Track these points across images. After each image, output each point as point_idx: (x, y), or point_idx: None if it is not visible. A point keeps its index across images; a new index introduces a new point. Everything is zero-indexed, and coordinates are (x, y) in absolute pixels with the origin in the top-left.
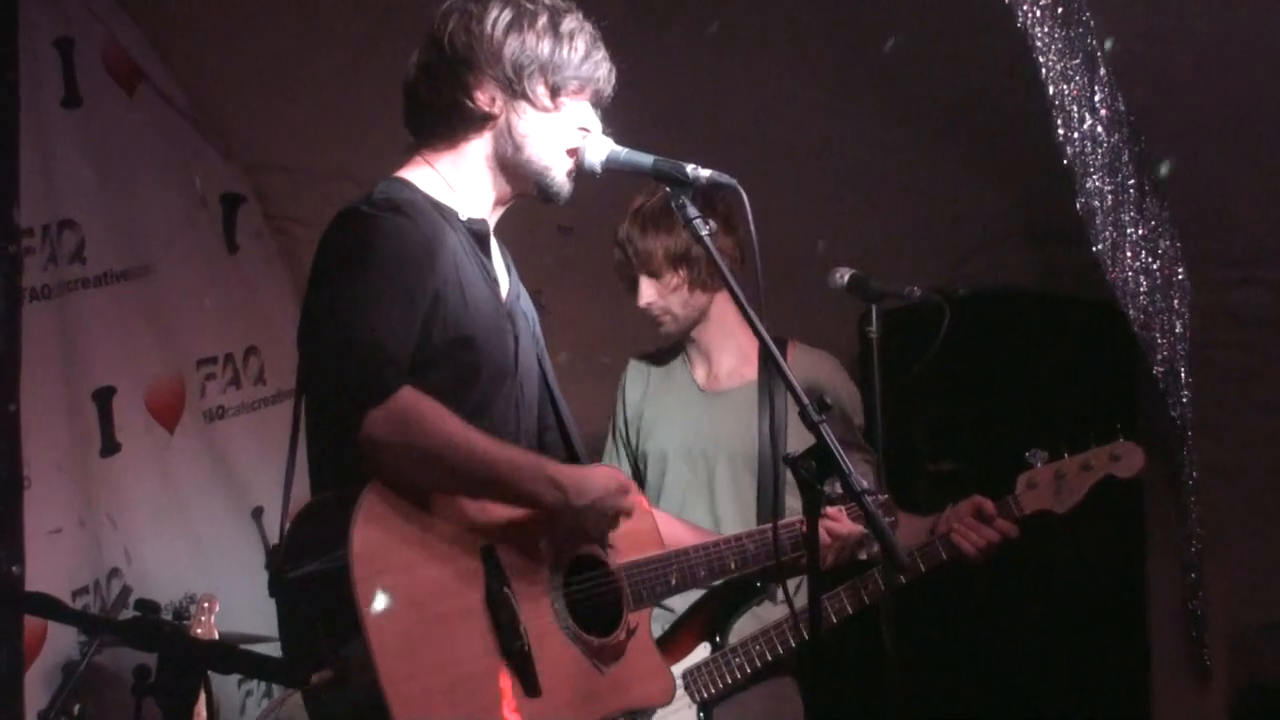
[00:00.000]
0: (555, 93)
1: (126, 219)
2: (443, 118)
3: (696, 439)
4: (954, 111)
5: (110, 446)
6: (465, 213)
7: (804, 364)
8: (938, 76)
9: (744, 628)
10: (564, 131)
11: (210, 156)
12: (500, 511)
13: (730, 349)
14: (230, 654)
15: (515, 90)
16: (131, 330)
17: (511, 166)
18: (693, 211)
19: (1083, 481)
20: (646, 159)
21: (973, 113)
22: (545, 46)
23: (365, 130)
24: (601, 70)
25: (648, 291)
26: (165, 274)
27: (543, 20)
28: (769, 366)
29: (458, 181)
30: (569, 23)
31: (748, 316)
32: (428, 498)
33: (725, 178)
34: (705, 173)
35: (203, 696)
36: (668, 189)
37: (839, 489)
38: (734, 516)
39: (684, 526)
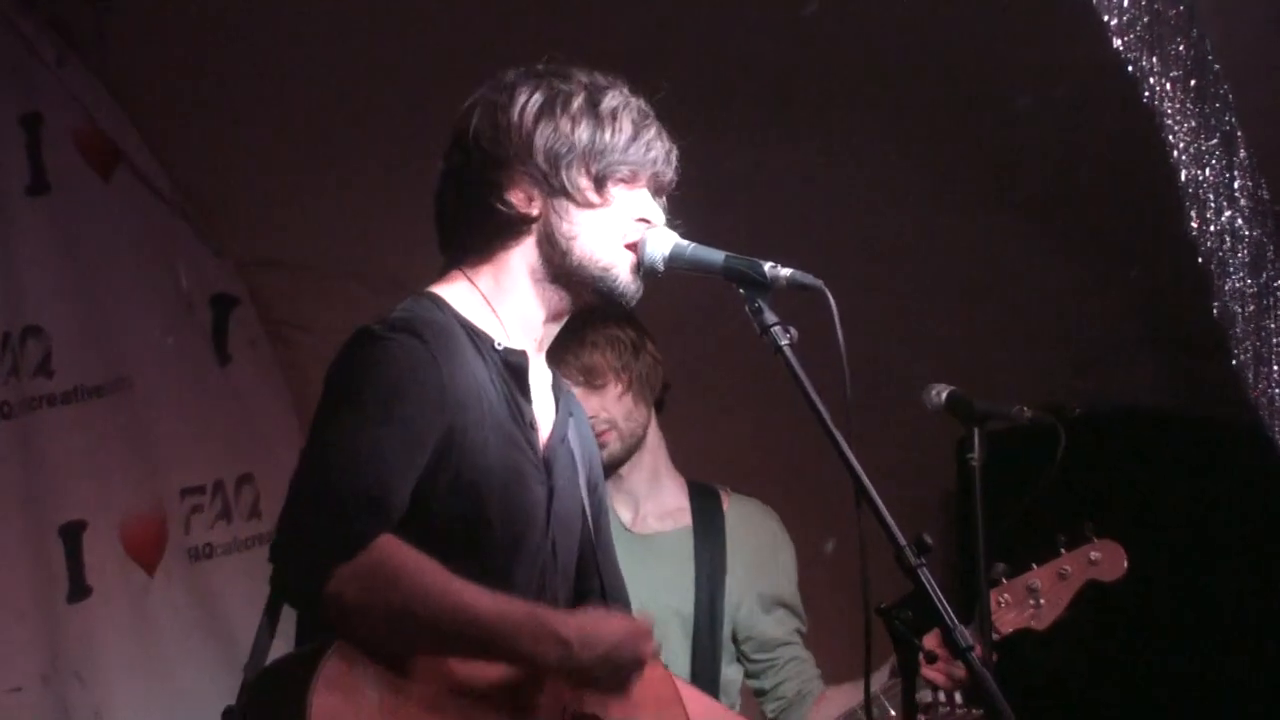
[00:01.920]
0: (601, 183)
1: (101, 325)
2: (475, 228)
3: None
4: (1067, 201)
5: (79, 590)
6: (504, 339)
7: (741, 517)
8: (1048, 160)
9: None
10: (618, 226)
11: (199, 252)
12: (491, 671)
13: (660, 489)
14: None
15: (553, 185)
16: (105, 455)
17: (563, 275)
18: (771, 318)
19: (1062, 592)
20: (717, 255)
21: (1089, 203)
22: (584, 130)
23: (379, 222)
24: (655, 151)
25: (589, 402)
26: (145, 389)
27: (579, 100)
28: (706, 510)
29: (501, 301)
30: (611, 99)
31: (834, 442)
32: (404, 658)
33: (809, 278)
34: (786, 273)
35: None
36: (741, 291)
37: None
38: None
39: (700, 695)
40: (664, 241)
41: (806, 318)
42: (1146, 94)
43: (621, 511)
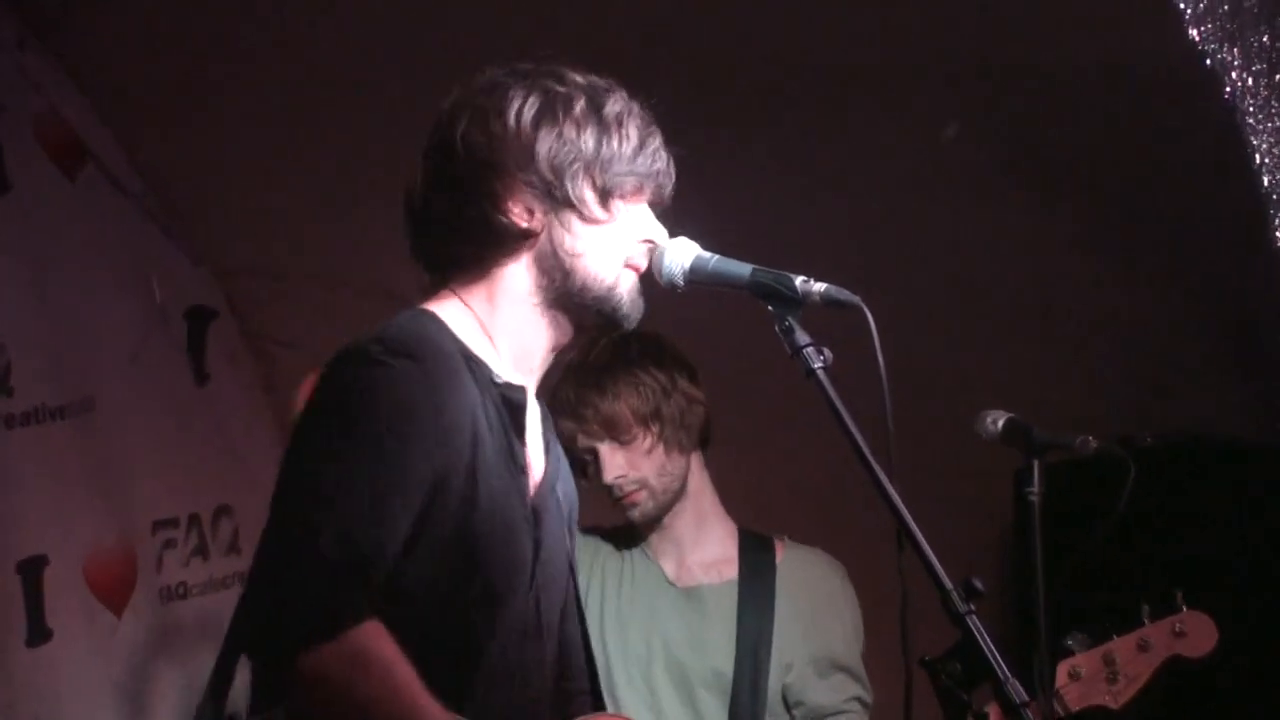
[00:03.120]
0: (606, 196)
1: (65, 339)
2: (467, 241)
3: (664, 648)
4: (1137, 210)
5: (39, 633)
6: (503, 372)
7: (795, 569)
8: (1116, 164)
9: None
10: (623, 243)
11: (173, 259)
12: None
13: (708, 539)
14: None
15: (556, 197)
16: (69, 483)
17: (564, 296)
18: (803, 338)
19: (1142, 666)
20: (743, 269)
21: (1162, 211)
22: (589, 138)
23: (373, 228)
24: (660, 162)
25: (615, 461)
26: (113, 410)
27: (581, 104)
28: (756, 561)
29: (498, 326)
30: (614, 104)
31: (873, 475)
32: None
33: (846, 294)
34: (819, 288)
35: None
36: (770, 309)
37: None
38: None
39: None
40: (685, 254)
41: (843, 338)
42: (1227, 90)
43: (665, 563)
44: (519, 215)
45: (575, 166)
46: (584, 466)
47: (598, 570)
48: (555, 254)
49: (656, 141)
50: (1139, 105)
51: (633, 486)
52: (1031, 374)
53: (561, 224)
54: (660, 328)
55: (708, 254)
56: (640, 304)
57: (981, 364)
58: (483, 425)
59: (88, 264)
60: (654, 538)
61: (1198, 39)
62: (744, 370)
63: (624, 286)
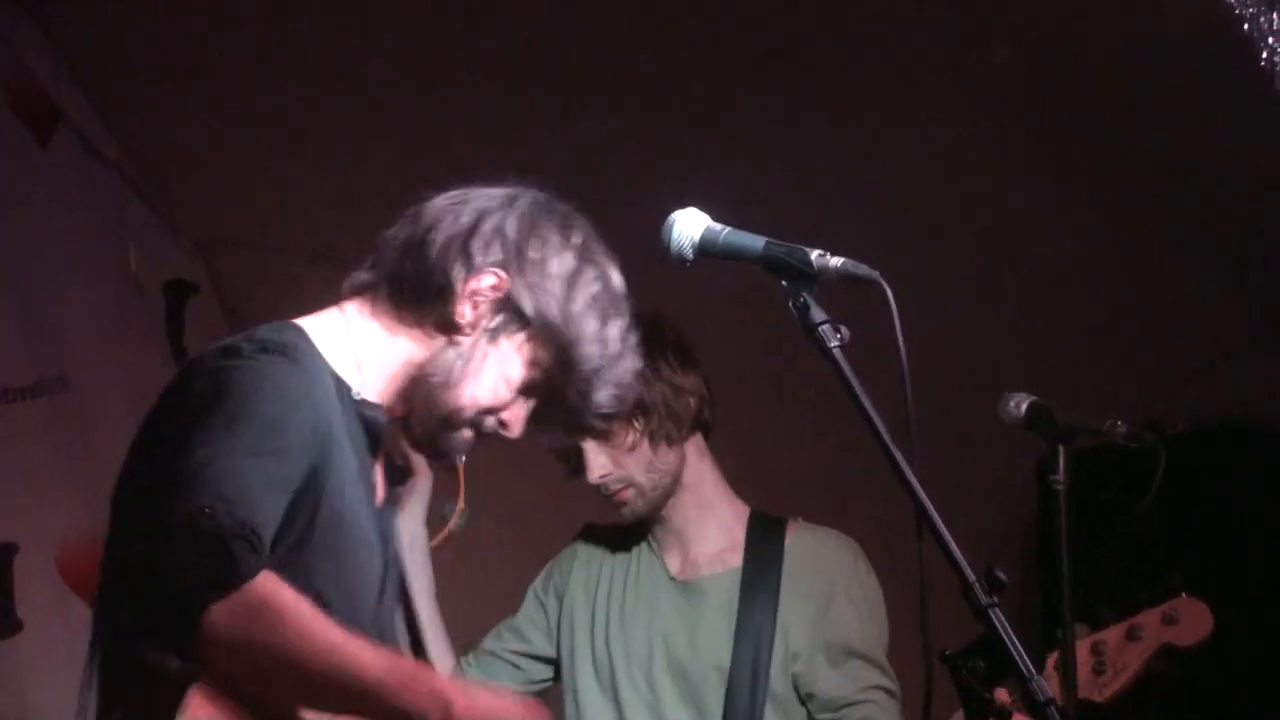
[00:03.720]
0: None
1: (34, 315)
2: (411, 291)
3: (665, 646)
4: (1170, 187)
5: (9, 625)
6: (363, 391)
7: (805, 552)
8: (1148, 140)
9: None
10: (511, 408)
11: (151, 229)
12: None
13: (712, 526)
14: None
15: (509, 328)
16: (39, 468)
17: (428, 390)
18: (818, 315)
19: (1131, 657)
20: (756, 242)
21: (1197, 188)
22: (608, 346)
23: (359, 201)
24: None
25: (599, 460)
26: (86, 391)
27: (598, 288)
28: (762, 547)
29: (370, 359)
30: (618, 327)
31: (892, 460)
32: (277, 704)
33: (863, 268)
34: (836, 262)
35: None
36: (784, 284)
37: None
38: None
39: None
40: (694, 225)
41: (861, 316)
42: (1263, 56)
43: (669, 556)
44: (465, 315)
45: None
46: (572, 465)
47: (606, 571)
48: (456, 360)
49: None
50: (1173, 73)
51: (619, 485)
52: (1058, 355)
53: (486, 346)
54: (669, 302)
55: (718, 226)
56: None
57: (1006, 345)
58: (342, 434)
59: (59, 234)
60: (657, 530)
61: (1234, 4)
62: (757, 348)
63: (467, 433)
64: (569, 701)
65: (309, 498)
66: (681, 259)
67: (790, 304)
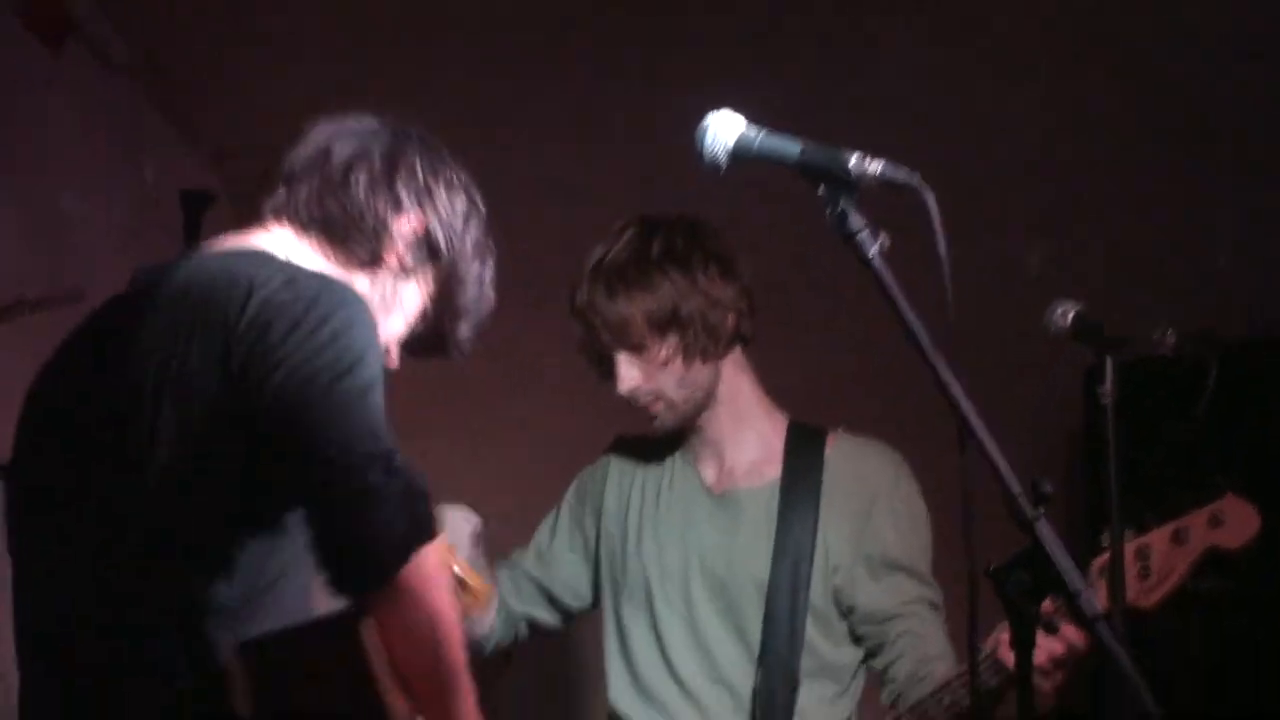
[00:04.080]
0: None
1: (46, 226)
2: (349, 224)
3: (700, 561)
4: (1221, 94)
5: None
6: None
7: (845, 462)
8: (1196, 47)
9: None
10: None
11: (166, 139)
12: None
13: (749, 438)
14: None
15: (430, 265)
16: None
17: None
18: (857, 222)
19: (1176, 560)
20: (792, 146)
21: (1250, 95)
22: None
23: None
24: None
25: (630, 373)
26: (102, 301)
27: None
28: (801, 458)
29: None
30: (490, 269)
31: (934, 371)
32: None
33: (903, 173)
34: (875, 166)
35: None
36: (822, 190)
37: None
38: (736, 666)
39: None
40: (729, 129)
41: (902, 223)
42: None
43: (704, 468)
44: (391, 252)
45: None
46: (602, 370)
47: (639, 482)
48: (376, 294)
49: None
50: None
51: (649, 399)
52: (1106, 264)
53: (400, 282)
54: (706, 207)
55: (754, 129)
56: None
57: (1052, 253)
58: None
59: (73, 144)
60: (693, 441)
61: None
62: (796, 256)
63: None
64: (609, 620)
65: None
66: (715, 165)
67: (827, 211)
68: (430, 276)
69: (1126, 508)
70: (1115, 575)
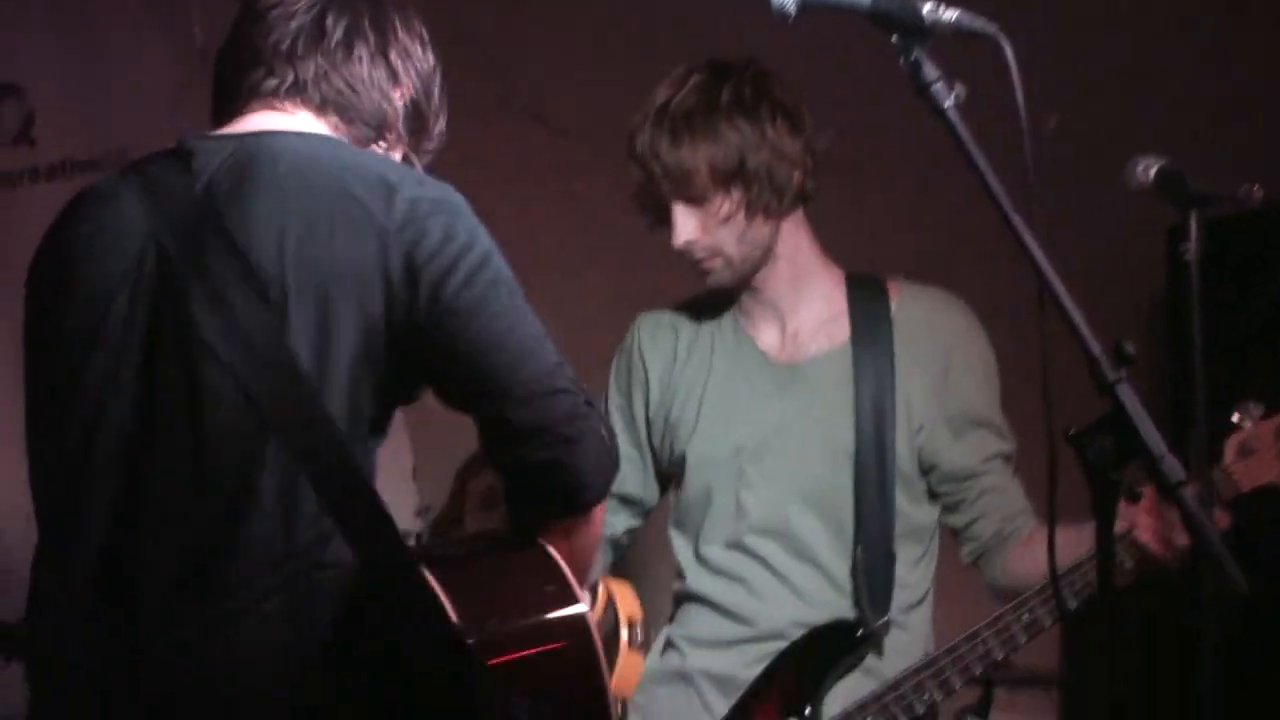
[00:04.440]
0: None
1: (94, 86)
2: (353, 91)
3: (770, 436)
4: None
5: None
6: None
7: (914, 315)
8: None
9: (850, 690)
10: None
11: None
12: None
13: (811, 297)
14: None
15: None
16: None
17: None
18: (931, 73)
19: None
20: None
21: None
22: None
23: None
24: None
25: (687, 225)
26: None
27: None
28: (868, 315)
29: None
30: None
31: (1012, 228)
32: None
33: (981, 22)
34: (950, 15)
35: None
36: (894, 40)
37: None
38: (824, 544)
39: None
40: None
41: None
42: None
43: (765, 332)
44: (392, 122)
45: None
46: (655, 219)
47: (681, 362)
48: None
49: None
50: None
51: (705, 254)
52: (1192, 117)
53: (398, 151)
54: (772, 54)
55: None
56: None
57: (1135, 107)
58: None
59: (118, 4)
60: (746, 303)
61: None
62: (868, 106)
63: None
64: (677, 506)
65: None
66: (783, 14)
67: (901, 61)
68: (410, 137)
69: (1210, 371)
70: (1198, 446)
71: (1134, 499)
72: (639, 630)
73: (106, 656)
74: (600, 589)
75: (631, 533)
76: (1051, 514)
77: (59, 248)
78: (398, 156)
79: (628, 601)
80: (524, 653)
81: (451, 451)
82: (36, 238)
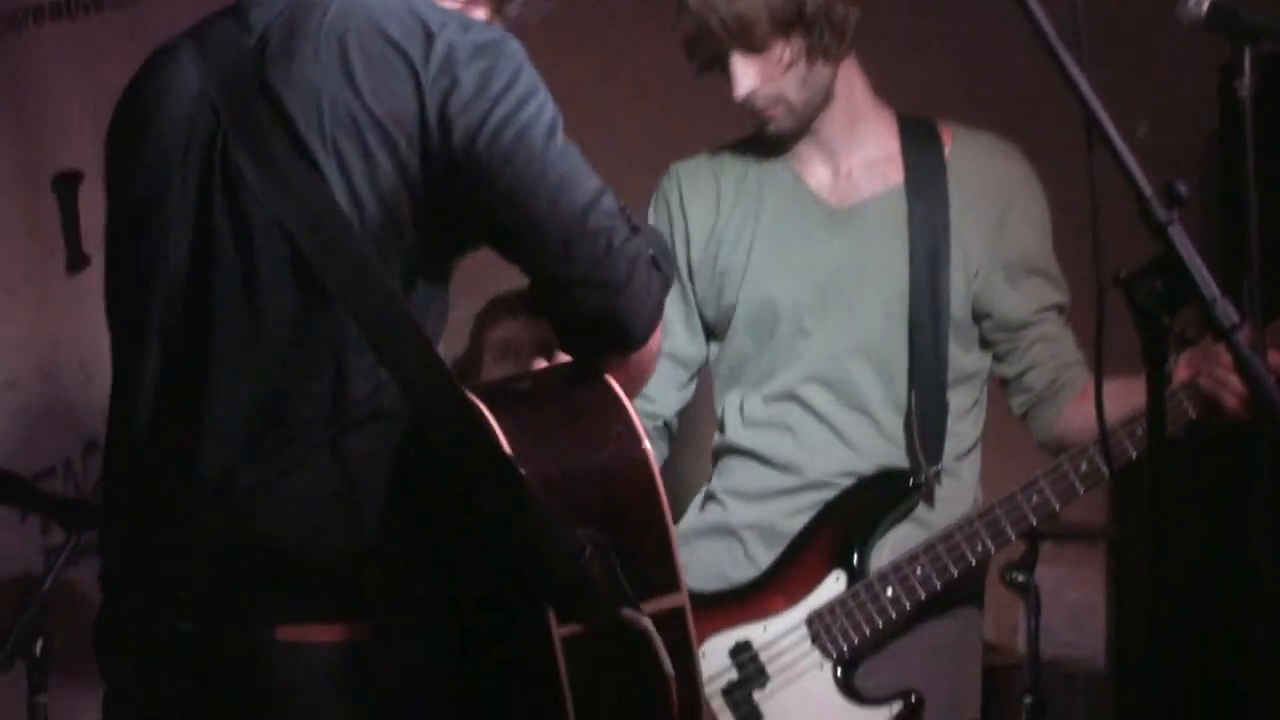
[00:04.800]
0: None
1: None
2: None
3: (824, 280)
4: None
5: (77, 258)
6: None
7: (968, 160)
8: None
9: (900, 541)
10: None
11: None
12: None
13: (865, 136)
14: None
15: None
16: (109, 87)
17: None
18: None
19: None
20: None
21: None
22: None
23: None
24: None
25: (747, 75)
26: (160, 2)
27: None
28: (921, 158)
29: None
30: None
31: (1060, 65)
32: None
33: None
34: None
35: None
36: None
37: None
38: (876, 392)
39: None
40: None
41: None
42: None
43: (817, 171)
44: None
45: None
46: (704, 66)
47: (726, 207)
48: None
49: None
50: None
51: (767, 102)
52: None
53: None
54: None
55: None
56: None
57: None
58: None
59: None
60: (799, 147)
61: None
62: None
63: None
64: (721, 359)
65: None
66: None
67: None
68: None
69: (1265, 211)
70: (1252, 290)
71: (1185, 344)
72: None
73: (166, 512)
74: None
75: (682, 414)
76: (1098, 358)
77: (127, 108)
78: (481, 14)
79: None
80: (586, 489)
81: (468, 302)
82: (47, 88)
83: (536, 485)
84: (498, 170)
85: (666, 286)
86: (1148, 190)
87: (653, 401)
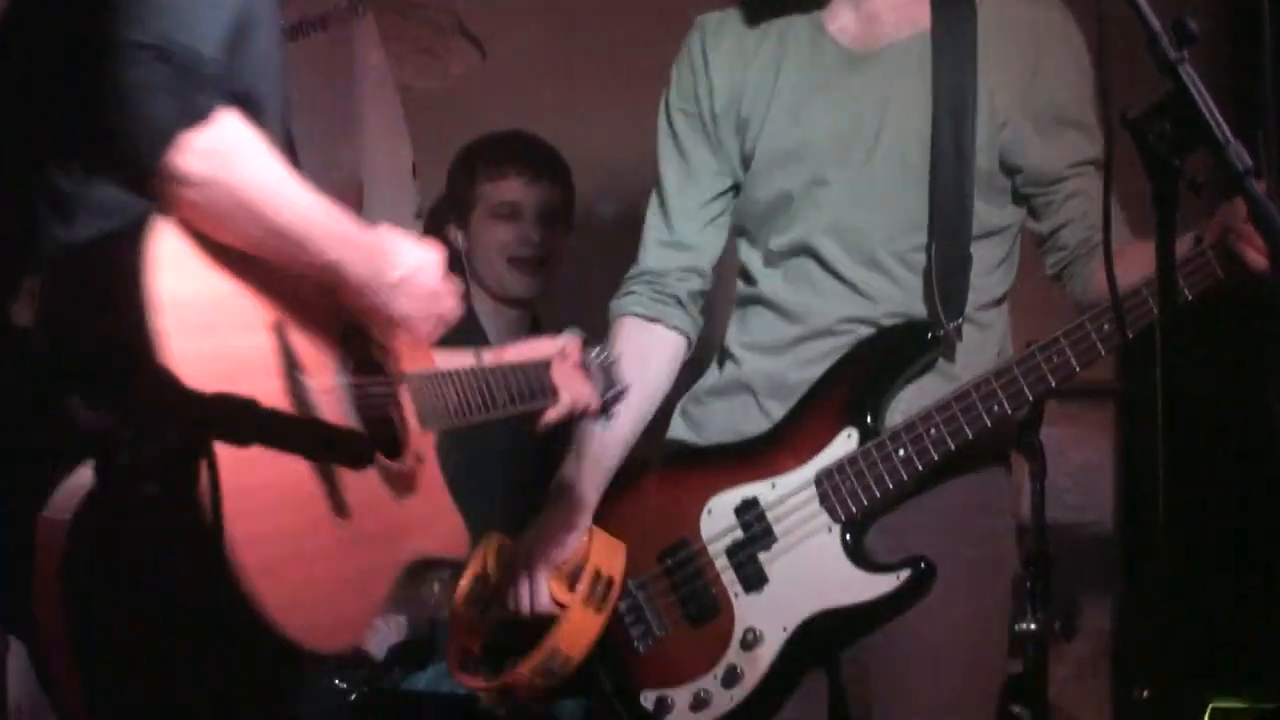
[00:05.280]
0: None
1: None
2: None
3: (844, 127)
4: None
5: None
6: None
7: (1004, 3)
8: None
9: (918, 396)
10: None
11: None
12: (289, 280)
13: None
14: None
15: None
16: None
17: None
18: None
19: None
20: None
21: None
22: None
23: None
24: None
25: None
26: None
27: None
28: (952, 2)
29: None
30: None
31: None
32: (222, 251)
33: None
34: None
35: None
36: None
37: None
38: (894, 243)
39: None
40: None
41: None
42: None
43: (840, 14)
44: None
45: None
46: None
47: (755, 49)
48: None
49: None
50: None
51: None
52: None
53: None
54: None
55: None
56: None
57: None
58: None
59: None
60: None
61: None
62: None
63: None
64: (748, 207)
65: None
66: None
67: None
68: None
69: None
70: (1268, 132)
71: (1195, 190)
72: (604, 588)
73: None
74: (585, 535)
75: (698, 327)
76: (1106, 204)
77: None
78: None
79: (604, 554)
80: None
81: (454, 147)
82: None
83: None
84: None
85: (178, 126)
86: (1157, 25)
87: (688, 249)
